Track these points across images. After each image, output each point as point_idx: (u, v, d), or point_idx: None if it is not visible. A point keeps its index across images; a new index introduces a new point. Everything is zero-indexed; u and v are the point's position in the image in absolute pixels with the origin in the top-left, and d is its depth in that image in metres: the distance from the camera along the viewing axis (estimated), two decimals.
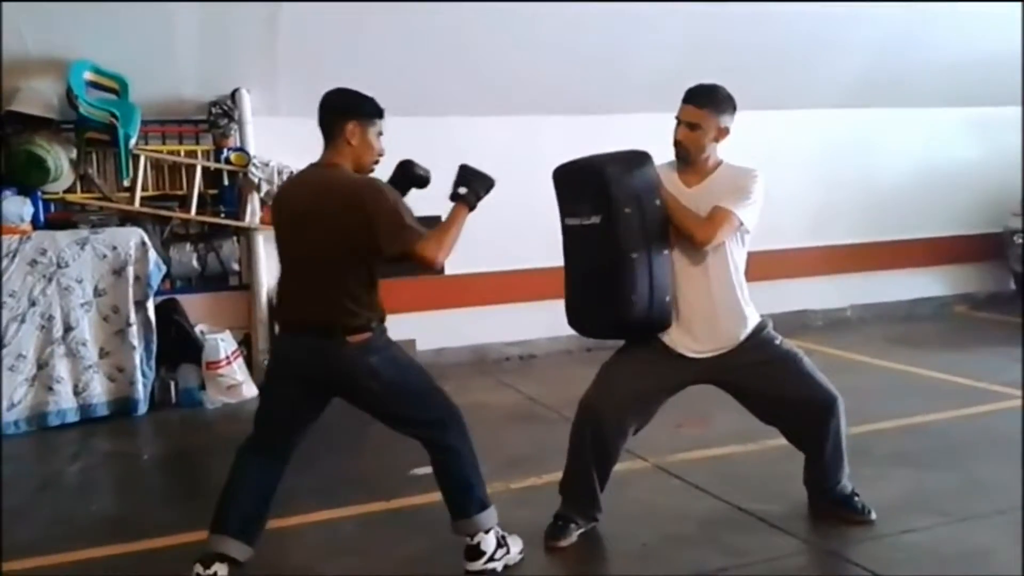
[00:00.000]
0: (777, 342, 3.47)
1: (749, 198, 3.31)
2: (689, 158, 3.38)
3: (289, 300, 3.21)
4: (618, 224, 3.17)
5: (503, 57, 6.23)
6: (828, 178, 7.77)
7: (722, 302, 3.37)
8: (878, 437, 4.65)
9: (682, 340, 3.38)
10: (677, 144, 3.38)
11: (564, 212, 3.42)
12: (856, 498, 3.61)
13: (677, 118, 3.38)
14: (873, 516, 3.57)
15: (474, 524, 3.21)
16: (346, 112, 3.10)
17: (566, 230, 3.43)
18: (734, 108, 3.40)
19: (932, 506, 3.70)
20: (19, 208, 5.46)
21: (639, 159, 3.26)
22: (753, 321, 3.43)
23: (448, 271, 6.61)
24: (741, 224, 3.30)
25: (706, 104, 3.33)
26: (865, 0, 6.55)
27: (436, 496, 3.81)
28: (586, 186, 3.28)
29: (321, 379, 3.09)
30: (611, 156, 3.30)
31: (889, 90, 7.66)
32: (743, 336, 3.39)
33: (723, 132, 3.39)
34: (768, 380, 3.42)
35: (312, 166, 3.18)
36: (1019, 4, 6.90)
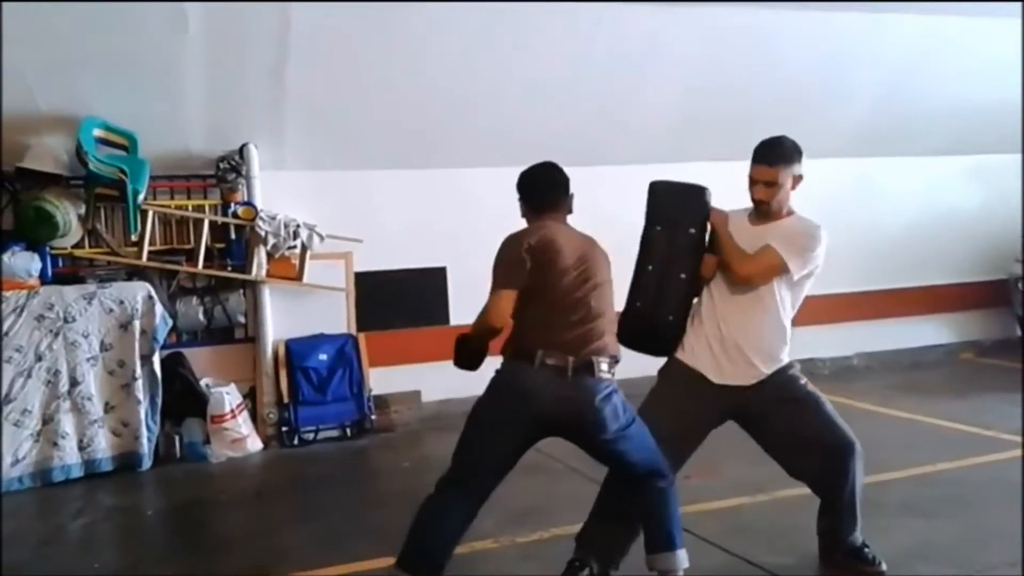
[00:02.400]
0: (802, 382, 3.54)
1: (806, 248, 3.46)
2: (770, 212, 3.50)
3: None
4: (645, 239, 3.50)
5: (504, 109, 6.31)
6: (832, 227, 7.57)
7: (765, 336, 3.47)
8: (887, 487, 4.62)
9: (715, 367, 3.47)
10: (759, 202, 3.49)
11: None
12: (867, 549, 3.60)
13: (753, 178, 3.49)
14: (884, 567, 3.56)
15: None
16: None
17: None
18: (801, 154, 3.53)
19: (943, 557, 3.67)
20: (27, 263, 5.49)
21: (696, 191, 3.53)
22: (785, 359, 3.53)
23: (453, 321, 6.65)
24: (786, 269, 3.41)
25: (778, 161, 3.46)
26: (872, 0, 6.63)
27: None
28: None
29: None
30: (675, 182, 3.58)
31: (890, 139, 7.73)
32: (772, 370, 3.47)
33: (798, 180, 3.52)
34: (791, 418, 3.48)
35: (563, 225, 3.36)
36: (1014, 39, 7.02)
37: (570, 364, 3.08)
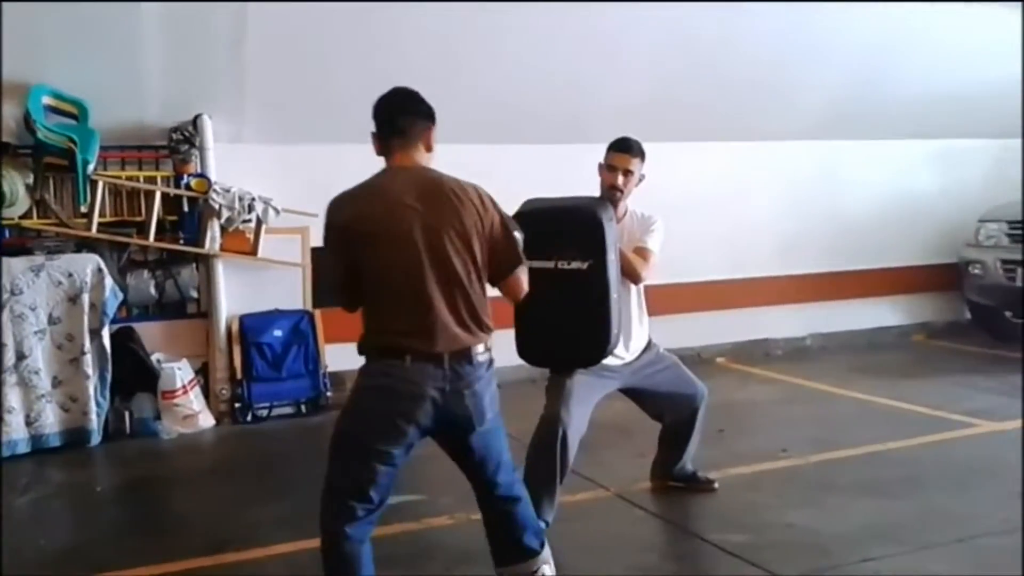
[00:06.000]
0: (663, 351, 4.10)
1: (658, 238, 3.90)
2: (620, 200, 3.85)
3: None
4: (608, 270, 3.52)
5: (469, 86, 6.24)
6: (793, 209, 7.85)
7: (638, 320, 3.93)
8: (839, 466, 4.69)
9: (614, 352, 3.78)
10: (613, 188, 3.81)
11: (537, 254, 3.32)
12: (699, 472, 4.34)
13: (612, 165, 3.81)
14: (716, 484, 4.31)
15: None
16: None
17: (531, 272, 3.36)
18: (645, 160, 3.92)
19: (892, 535, 3.72)
20: None
21: (609, 207, 3.65)
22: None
23: None
24: (656, 259, 3.88)
25: (638, 153, 3.85)
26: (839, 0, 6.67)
27: (397, 528, 3.79)
28: (576, 229, 3.53)
29: None
30: (594, 202, 3.65)
31: (855, 122, 7.78)
32: (644, 346, 3.99)
33: (642, 179, 3.90)
34: (663, 380, 4.05)
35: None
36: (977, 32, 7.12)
37: (446, 356, 2.68)
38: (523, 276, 2.89)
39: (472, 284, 2.75)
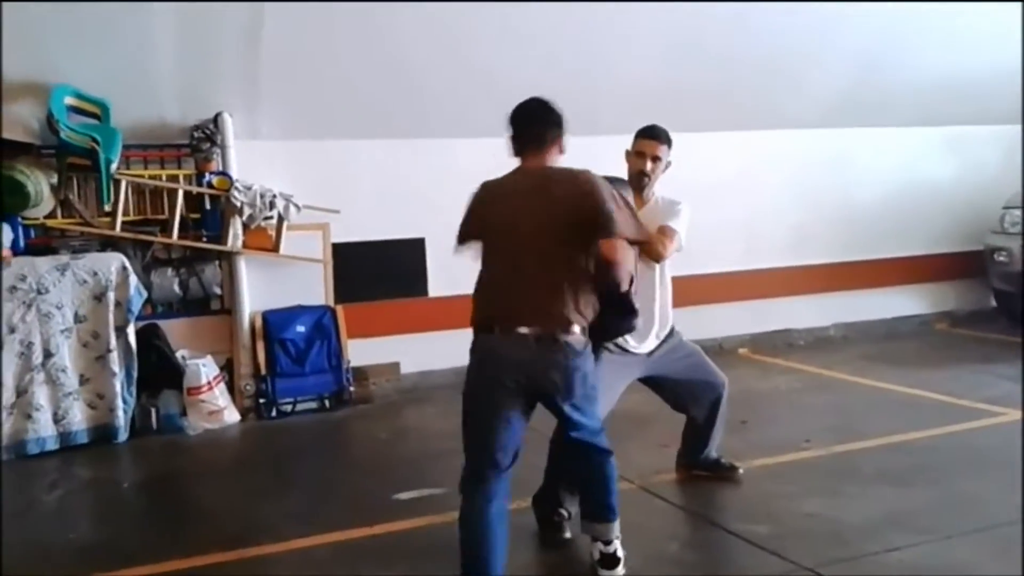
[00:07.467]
0: (685, 340, 4.14)
1: (683, 221, 3.89)
2: (646, 186, 3.92)
3: None
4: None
5: (482, 81, 6.25)
6: (809, 198, 7.82)
7: (662, 309, 3.98)
8: (862, 455, 4.68)
9: (635, 341, 3.87)
10: (641, 173, 3.88)
11: None
12: (722, 459, 4.38)
13: (640, 151, 3.90)
14: (741, 470, 4.34)
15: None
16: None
17: None
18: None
19: (915, 524, 3.71)
20: None
21: (627, 185, 3.68)
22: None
23: (432, 293, 6.65)
24: (681, 243, 3.88)
25: (665, 140, 3.92)
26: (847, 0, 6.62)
27: (420, 522, 3.82)
28: None
29: None
30: (613, 180, 3.57)
31: (868, 110, 7.74)
32: (667, 334, 4.03)
33: (668, 165, 3.97)
34: (683, 368, 4.09)
35: None
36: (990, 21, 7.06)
37: (531, 335, 3.00)
38: (619, 243, 3.09)
39: (573, 273, 3.06)
